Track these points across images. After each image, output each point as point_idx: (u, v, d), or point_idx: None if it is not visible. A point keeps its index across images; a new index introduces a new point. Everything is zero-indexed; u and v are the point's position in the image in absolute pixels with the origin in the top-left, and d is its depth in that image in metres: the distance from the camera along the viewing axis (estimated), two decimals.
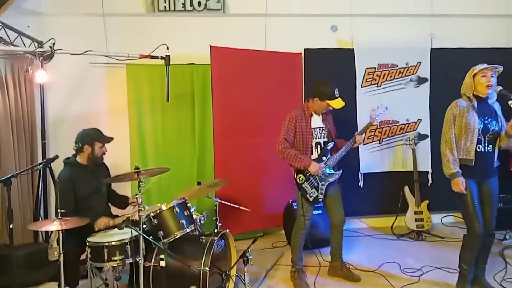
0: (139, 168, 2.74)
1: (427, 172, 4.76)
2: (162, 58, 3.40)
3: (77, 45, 3.63)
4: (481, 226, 2.94)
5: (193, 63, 4.57)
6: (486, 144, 2.96)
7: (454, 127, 3.00)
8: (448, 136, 3.02)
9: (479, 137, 2.94)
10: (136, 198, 2.76)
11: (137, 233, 2.67)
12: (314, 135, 3.37)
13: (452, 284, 3.23)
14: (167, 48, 3.34)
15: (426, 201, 4.57)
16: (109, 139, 3.28)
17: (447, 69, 4.67)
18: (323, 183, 3.35)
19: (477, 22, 4.95)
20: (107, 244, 2.76)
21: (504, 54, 4.68)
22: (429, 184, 4.73)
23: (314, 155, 3.38)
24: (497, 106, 3.04)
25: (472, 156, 2.92)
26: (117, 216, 3.36)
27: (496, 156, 3.01)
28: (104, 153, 3.28)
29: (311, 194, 3.33)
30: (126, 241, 2.78)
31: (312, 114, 3.39)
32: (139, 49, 3.77)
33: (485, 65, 2.92)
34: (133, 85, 4.50)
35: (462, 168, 2.97)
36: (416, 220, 4.53)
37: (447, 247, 4.16)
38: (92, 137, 3.20)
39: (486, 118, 2.96)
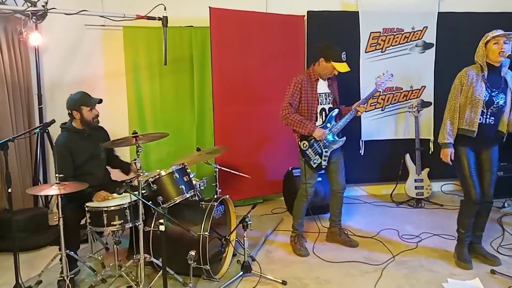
0: (137, 133, 2.69)
1: (429, 140, 4.72)
2: (159, 19, 3.27)
3: (71, 5, 3.49)
4: (478, 193, 2.95)
5: (191, 26, 4.42)
6: (488, 116, 2.92)
7: (460, 96, 2.95)
8: (452, 105, 2.98)
9: (482, 109, 2.90)
10: (135, 163, 2.73)
11: (136, 198, 2.66)
12: (319, 100, 3.30)
13: (450, 250, 3.27)
14: (165, 9, 3.21)
15: (427, 169, 4.56)
16: (96, 101, 3.16)
17: (454, 34, 4.54)
18: (326, 149, 3.31)
19: None
20: (106, 209, 2.75)
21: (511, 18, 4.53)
22: (430, 152, 4.70)
23: (319, 122, 3.33)
24: (509, 78, 2.95)
25: (475, 127, 2.90)
26: (116, 181, 3.34)
27: (497, 127, 2.97)
28: (96, 116, 3.20)
29: (315, 161, 3.30)
30: (125, 206, 2.78)
31: (318, 79, 3.30)
32: (136, 9, 3.64)
33: (499, 31, 2.81)
34: (131, 48, 4.38)
35: (462, 137, 2.96)
36: (416, 187, 4.53)
37: (446, 215, 4.18)
38: (77, 102, 3.11)
39: (494, 90, 2.90)
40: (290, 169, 4.34)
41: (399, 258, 3.26)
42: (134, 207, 2.79)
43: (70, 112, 3.14)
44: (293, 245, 3.44)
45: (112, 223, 2.76)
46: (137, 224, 2.73)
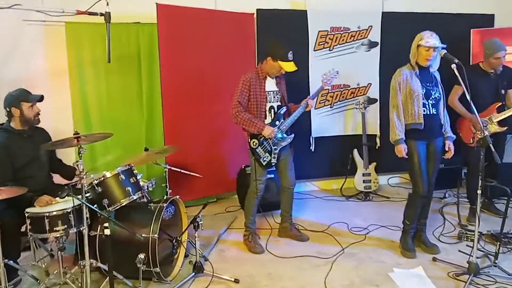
0: (78, 134, 2.57)
1: (375, 135, 4.91)
2: (101, 14, 3.13)
3: None
4: (425, 186, 3.11)
5: (138, 22, 4.30)
6: (430, 107, 3.09)
7: (400, 94, 3.10)
8: (395, 103, 3.12)
9: (423, 101, 3.06)
10: (77, 165, 2.61)
11: (80, 202, 2.55)
12: (268, 98, 3.33)
13: (396, 240, 3.41)
14: (107, 4, 3.07)
15: (374, 163, 4.74)
16: (37, 97, 3.00)
17: (398, 33, 4.71)
18: (276, 147, 3.34)
19: None
20: (47, 214, 2.62)
21: (449, 19, 4.80)
22: (377, 147, 4.89)
23: (268, 120, 3.36)
24: (437, 74, 3.17)
25: (421, 119, 3.05)
26: (60, 185, 3.19)
27: (441, 119, 3.14)
28: (37, 114, 3.03)
29: (265, 159, 3.32)
30: (68, 210, 2.65)
31: (266, 77, 3.32)
32: (77, 4, 3.47)
33: (431, 38, 2.97)
34: (74, 45, 4.17)
35: (411, 131, 3.09)
36: (364, 181, 4.69)
37: (392, 207, 4.36)
38: (17, 98, 2.93)
39: (428, 84, 3.09)
40: (243, 167, 4.35)
41: (349, 250, 3.37)
42: (78, 211, 2.67)
43: (8, 110, 2.95)
44: (247, 243, 3.45)
45: (54, 228, 2.63)
46: (81, 229, 2.62)
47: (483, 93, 3.65)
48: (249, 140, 3.33)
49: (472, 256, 2.83)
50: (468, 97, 2.80)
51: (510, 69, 3.86)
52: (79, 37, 4.17)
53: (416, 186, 3.14)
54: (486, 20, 4.96)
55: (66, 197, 2.59)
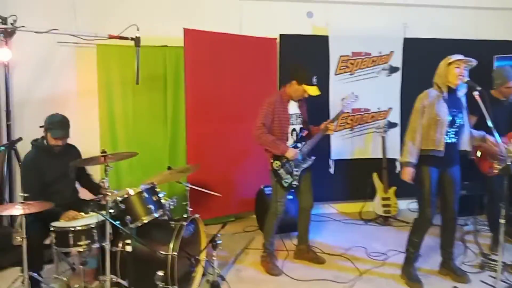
0: (105, 152, 2.68)
1: (395, 159, 4.88)
2: (132, 39, 3.29)
3: (43, 22, 3.48)
4: (433, 212, 3.03)
5: (165, 45, 4.47)
6: (453, 135, 3.03)
7: (422, 118, 3.02)
8: (414, 126, 3.05)
9: (447, 128, 2.99)
10: (103, 182, 2.71)
11: (104, 218, 2.64)
12: (290, 121, 3.39)
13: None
14: (138, 29, 3.24)
15: (394, 188, 4.70)
16: (59, 134, 3.05)
17: (419, 59, 4.75)
18: (297, 169, 3.38)
19: (447, 12, 5.03)
20: (72, 229, 2.71)
21: (471, 45, 4.80)
22: (397, 171, 4.85)
23: (290, 142, 3.40)
24: (464, 100, 3.10)
25: (442, 147, 2.97)
26: (85, 200, 3.29)
27: (460, 146, 3.10)
28: (58, 146, 3.10)
29: (286, 180, 3.35)
30: (92, 226, 2.74)
31: (289, 100, 3.39)
32: (109, 28, 3.66)
33: (461, 56, 2.95)
34: (104, 66, 4.38)
35: (429, 157, 3.02)
36: (383, 205, 4.65)
37: None
38: (47, 126, 3.06)
39: (454, 110, 3.01)
40: (262, 187, 4.38)
41: (367, 276, 3.33)
42: (102, 227, 2.76)
43: (44, 129, 3.09)
44: (266, 265, 3.45)
45: (78, 243, 2.71)
46: (104, 244, 2.70)
47: (497, 121, 3.58)
48: (272, 161, 3.37)
49: (495, 287, 2.76)
50: (490, 125, 2.76)
51: None
52: (109, 59, 4.37)
53: (423, 212, 3.06)
54: (509, 47, 4.94)
55: (91, 212, 2.68)
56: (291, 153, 3.30)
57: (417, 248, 3.16)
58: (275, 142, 3.30)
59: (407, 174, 3.03)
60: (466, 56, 2.97)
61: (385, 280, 3.24)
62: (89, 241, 2.74)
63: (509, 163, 2.69)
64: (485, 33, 5.00)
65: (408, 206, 5.15)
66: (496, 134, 2.75)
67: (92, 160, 2.77)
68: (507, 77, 3.61)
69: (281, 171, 3.36)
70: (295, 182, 3.38)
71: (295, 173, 3.37)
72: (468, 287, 3.08)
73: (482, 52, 4.74)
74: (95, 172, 3.77)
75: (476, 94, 2.81)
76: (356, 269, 3.44)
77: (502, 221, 2.69)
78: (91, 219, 2.81)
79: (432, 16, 5.00)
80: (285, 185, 3.36)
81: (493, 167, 3.53)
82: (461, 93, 3.07)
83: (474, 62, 2.96)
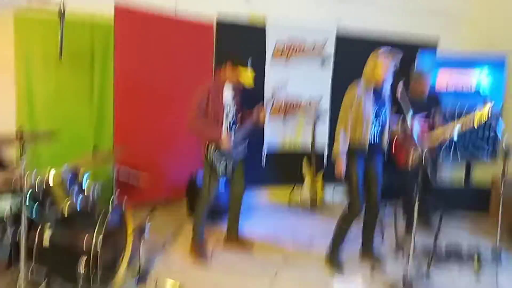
0: (22, 130, 2.44)
1: (324, 145, 5.07)
2: (56, 5, 2.99)
3: None
4: (361, 205, 3.18)
5: (93, 22, 4.16)
6: (378, 126, 3.17)
7: (351, 110, 3.12)
8: (345, 119, 3.13)
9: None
10: (20, 163, 2.46)
11: (18, 205, 2.42)
12: (225, 107, 3.35)
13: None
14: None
15: (321, 172, 4.89)
16: None
17: (349, 51, 4.91)
18: (231, 155, 3.37)
19: (378, 7, 5.25)
20: None
21: (398, 39, 5.06)
22: (325, 158, 5.05)
23: (224, 128, 3.37)
24: (388, 95, 3.23)
25: (367, 140, 3.11)
26: None
27: (384, 137, 3.25)
28: None
29: (220, 168, 3.34)
30: (4, 212, 2.51)
31: (224, 84, 3.35)
32: None
33: (387, 49, 3.10)
34: (22, 39, 3.99)
35: (355, 150, 3.13)
36: (311, 190, 4.83)
37: (336, 217, 4.49)
38: None
39: (379, 104, 3.15)
40: (194, 173, 4.32)
41: (293, 260, 3.44)
42: (16, 215, 2.53)
43: None
44: (194, 251, 3.42)
45: None
46: (18, 235, 2.48)
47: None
48: (206, 148, 3.32)
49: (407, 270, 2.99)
50: (411, 113, 2.94)
51: (434, 93, 4.17)
52: (29, 31, 4.00)
53: (353, 203, 3.19)
54: (431, 43, 5.29)
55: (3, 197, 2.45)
56: (225, 139, 3.28)
57: (343, 236, 3.31)
58: (208, 129, 3.26)
59: (341, 165, 3.11)
60: (393, 49, 3.12)
61: (309, 265, 3.37)
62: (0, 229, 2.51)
63: (423, 152, 2.83)
64: (410, 28, 5.27)
65: (334, 190, 5.38)
66: (417, 122, 2.92)
67: (5, 140, 2.51)
68: (420, 74, 3.91)
69: (215, 158, 3.32)
70: (229, 168, 3.37)
71: (229, 159, 3.36)
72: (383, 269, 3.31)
73: (407, 46, 5.04)
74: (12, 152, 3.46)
75: (400, 84, 2.97)
76: (283, 254, 3.53)
77: (415, 208, 2.86)
78: (3, 204, 2.57)
79: (364, 12, 5.19)
80: (219, 171, 3.34)
81: (408, 160, 3.74)
82: (386, 89, 3.18)
83: (399, 54, 3.11)
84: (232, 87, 3.42)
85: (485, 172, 5.08)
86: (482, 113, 3.35)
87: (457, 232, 4.24)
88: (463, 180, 5.09)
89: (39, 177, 2.75)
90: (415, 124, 2.93)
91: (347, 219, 3.28)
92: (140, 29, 4.10)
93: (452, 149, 4.81)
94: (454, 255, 3.49)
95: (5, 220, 2.52)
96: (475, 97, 4.75)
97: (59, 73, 4.14)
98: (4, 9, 2.80)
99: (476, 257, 3.39)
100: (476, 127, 3.64)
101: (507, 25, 5.07)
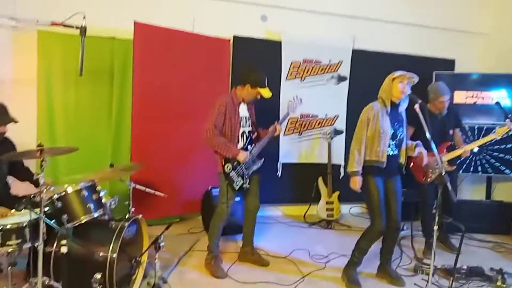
0: (42, 145, 2.50)
1: (340, 165, 5.04)
2: (77, 28, 3.11)
3: None
4: (384, 223, 3.14)
5: (114, 37, 4.28)
6: (394, 148, 3.17)
7: (367, 130, 3.13)
8: (359, 137, 3.14)
9: (389, 141, 3.12)
10: (38, 178, 2.52)
11: (37, 216, 2.46)
12: (241, 123, 3.37)
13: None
14: (84, 18, 3.06)
15: (337, 192, 4.84)
16: (9, 120, 2.94)
17: (365, 70, 4.94)
18: (248, 171, 3.37)
19: (394, 28, 5.29)
20: (1, 227, 2.49)
21: (418, 61, 5.09)
22: (340, 177, 5.01)
23: (240, 144, 3.39)
24: (404, 115, 3.26)
25: (385, 158, 3.09)
26: (17, 197, 3.06)
27: (401, 158, 3.24)
28: (2, 134, 2.94)
29: (237, 183, 3.34)
30: (24, 225, 2.54)
31: (240, 102, 3.38)
32: (52, 13, 3.42)
33: (404, 72, 3.10)
34: (45, 54, 4.11)
35: (372, 168, 3.13)
36: (327, 209, 4.78)
37: (353, 236, 4.41)
38: None
39: (396, 124, 3.16)
40: (209, 188, 4.33)
41: (309, 278, 3.38)
42: (35, 226, 2.56)
43: None
44: (210, 268, 3.39)
45: (7, 243, 2.49)
46: (36, 244, 2.51)
47: (432, 134, 3.79)
48: (223, 164, 3.32)
49: None
50: (429, 136, 2.93)
51: (454, 109, 4.11)
52: (51, 47, 4.12)
53: (374, 222, 3.15)
54: (448, 64, 5.29)
55: (23, 210, 2.49)
56: (242, 156, 3.29)
57: (363, 254, 3.26)
58: (227, 144, 3.27)
59: (356, 183, 3.12)
60: (409, 71, 3.12)
61: (326, 283, 3.32)
62: (20, 241, 2.53)
63: (443, 173, 2.83)
64: (426, 49, 5.30)
65: (349, 211, 5.34)
66: (433, 145, 2.92)
67: (27, 154, 2.57)
68: (440, 91, 3.87)
69: (233, 174, 3.33)
70: (246, 185, 3.37)
71: (246, 176, 3.36)
72: None
73: (423, 67, 5.06)
74: (31, 167, 3.53)
75: (416, 107, 2.97)
76: (299, 271, 3.48)
77: (435, 227, 2.83)
78: (23, 217, 2.61)
79: (379, 30, 5.23)
80: (236, 188, 3.34)
81: (427, 176, 3.75)
82: (403, 107, 3.21)
83: (416, 78, 3.12)
84: (248, 104, 3.45)
85: (507, 188, 4.99)
86: (504, 129, 3.48)
87: (478, 251, 4.13)
88: (485, 196, 5.00)
89: (57, 190, 2.79)
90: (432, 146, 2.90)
91: (369, 237, 3.23)
92: (159, 45, 4.18)
93: (473, 162, 4.78)
94: (476, 275, 3.38)
95: (24, 233, 2.54)
96: (496, 111, 4.66)
97: (79, 89, 4.24)
98: (29, 24, 2.91)
99: (500, 277, 3.28)
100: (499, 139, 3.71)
101: None
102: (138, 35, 3.97)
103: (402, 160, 3.25)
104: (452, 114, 4.01)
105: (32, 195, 2.87)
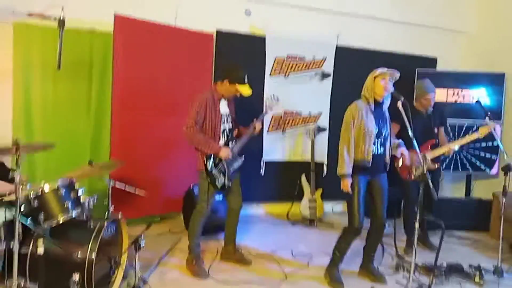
0: (18, 141, 2.40)
1: (323, 163, 5.04)
2: (55, 19, 2.98)
3: None
4: (361, 222, 3.13)
5: (93, 30, 4.16)
6: (379, 146, 3.16)
7: (353, 129, 3.10)
8: (347, 138, 3.10)
9: (374, 139, 3.11)
10: (14, 176, 2.42)
11: (12, 216, 2.36)
12: (222, 120, 3.32)
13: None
14: (62, 9, 2.94)
15: (320, 190, 4.84)
16: None
17: (349, 67, 4.94)
18: (229, 169, 3.32)
19: (378, 25, 5.30)
20: None
21: (401, 59, 5.11)
22: (323, 175, 5.01)
23: (221, 141, 3.34)
24: (387, 112, 3.25)
25: (370, 157, 3.08)
26: None
27: (386, 156, 3.24)
28: None
29: (220, 180, 3.28)
30: None
31: (220, 99, 3.32)
32: (29, 6, 3.29)
33: (386, 69, 3.10)
34: (21, 47, 3.96)
35: (357, 167, 3.11)
36: (310, 207, 4.77)
37: (336, 234, 4.42)
38: None
39: (380, 122, 3.14)
40: (191, 187, 4.26)
41: (291, 277, 3.37)
42: (10, 226, 2.46)
43: None
44: (191, 268, 3.34)
45: None
46: (11, 245, 2.41)
47: (417, 131, 3.78)
48: (205, 161, 3.26)
49: (407, 287, 2.94)
50: (411, 134, 2.94)
51: (440, 107, 4.15)
52: (28, 39, 3.97)
53: (352, 221, 3.14)
54: (430, 62, 5.34)
55: None
56: (224, 152, 3.24)
57: (343, 253, 3.27)
58: (208, 141, 3.21)
59: (347, 185, 3.08)
60: (391, 68, 3.12)
61: (309, 282, 3.30)
62: None
63: (425, 171, 2.85)
64: (410, 47, 5.34)
65: (332, 209, 5.35)
66: (415, 143, 2.93)
67: (2, 150, 2.46)
68: (426, 89, 3.90)
69: (215, 171, 3.28)
70: (228, 182, 3.32)
71: (227, 173, 3.31)
72: (384, 287, 3.24)
73: (405, 65, 5.10)
74: (6, 163, 3.40)
75: (399, 104, 2.97)
76: (281, 271, 3.46)
77: (416, 225, 2.85)
78: None
79: (363, 27, 5.23)
80: (219, 186, 3.29)
81: (411, 173, 3.78)
82: (386, 105, 3.21)
83: (397, 74, 3.11)
84: (228, 100, 3.40)
85: (486, 185, 5.10)
86: (486, 128, 3.56)
87: (457, 248, 4.20)
88: (464, 194, 5.09)
89: (33, 188, 2.69)
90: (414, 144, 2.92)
91: (347, 236, 3.24)
92: (140, 38, 4.08)
93: (453, 160, 4.85)
94: (455, 272, 3.43)
95: None
96: (476, 110, 4.73)
97: (56, 83, 4.10)
98: (4, 16, 2.77)
99: (478, 273, 3.34)
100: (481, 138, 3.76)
101: (506, 45, 5.12)
102: (118, 28, 3.86)
103: (387, 157, 3.25)
104: (438, 112, 4.05)
105: (7, 193, 2.77)
